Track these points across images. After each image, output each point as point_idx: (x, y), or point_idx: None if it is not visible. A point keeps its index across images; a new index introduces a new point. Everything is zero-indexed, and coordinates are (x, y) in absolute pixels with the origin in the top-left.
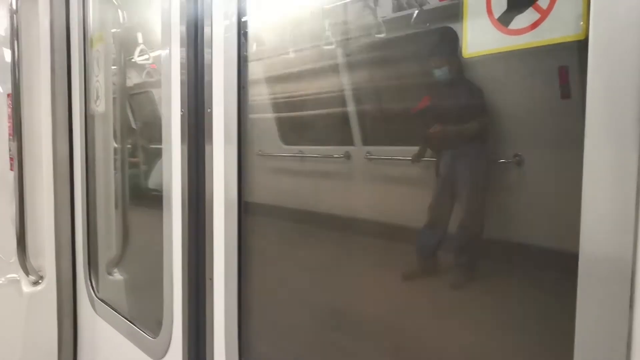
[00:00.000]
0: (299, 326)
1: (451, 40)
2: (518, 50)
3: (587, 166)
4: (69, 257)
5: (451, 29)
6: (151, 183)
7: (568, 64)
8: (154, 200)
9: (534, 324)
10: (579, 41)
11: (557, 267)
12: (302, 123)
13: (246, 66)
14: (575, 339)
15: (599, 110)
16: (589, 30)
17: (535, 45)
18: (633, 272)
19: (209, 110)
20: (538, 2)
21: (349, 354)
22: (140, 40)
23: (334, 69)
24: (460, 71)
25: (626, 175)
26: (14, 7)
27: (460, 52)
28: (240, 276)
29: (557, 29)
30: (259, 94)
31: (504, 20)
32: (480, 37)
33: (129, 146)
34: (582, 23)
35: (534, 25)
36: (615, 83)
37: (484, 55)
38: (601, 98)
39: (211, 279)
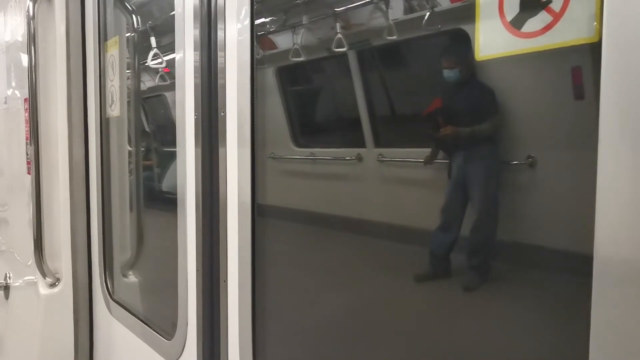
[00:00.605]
0: (313, 329)
1: (462, 42)
2: (531, 52)
3: (601, 167)
4: (85, 259)
5: (462, 30)
6: (165, 186)
7: (581, 66)
8: (168, 202)
9: (549, 326)
10: (592, 44)
11: (571, 268)
12: (314, 125)
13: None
14: (590, 341)
15: (612, 111)
16: (602, 33)
17: (547, 48)
18: None
19: (222, 113)
20: (550, 5)
21: (364, 356)
22: (153, 44)
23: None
24: (472, 73)
25: None
26: (31, 13)
27: (472, 54)
28: (255, 278)
29: (570, 32)
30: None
31: (516, 23)
32: (492, 40)
33: (143, 149)
34: (595, 25)
35: (547, 28)
36: (629, 84)
37: (497, 58)
38: (615, 99)
39: (225, 281)
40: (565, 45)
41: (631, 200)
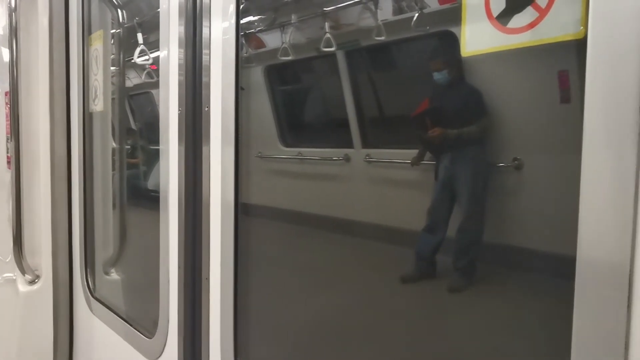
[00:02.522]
0: (295, 327)
1: (451, 44)
2: (517, 50)
3: (585, 169)
4: (66, 256)
5: (451, 32)
6: (150, 184)
7: (567, 64)
8: (152, 200)
9: (532, 326)
10: (578, 40)
11: (554, 270)
12: (302, 125)
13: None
14: (572, 342)
15: (597, 111)
16: (588, 29)
17: (533, 44)
18: (631, 273)
19: (206, 108)
20: (537, 1)
21: (345, 354)
22: (140, 40)
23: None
24: (460, 74)
25: (624, 178)
26: (13, 5)
27: (460, 56)
28: (237, 276)
29: (556, 28)
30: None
31: (503, 19)
32: (478, 35)
33: (128, 146)
34: (581, 21)
35: (533, 24)
36: (614, 83)
37: (483, 54)
38: (600, 98)
39: (207, 279)
40: (551, 42)
41: (615, 200)
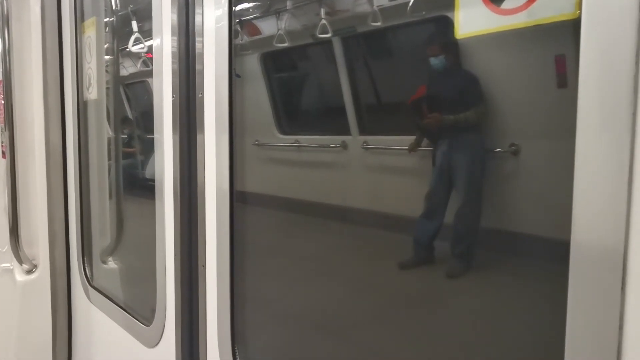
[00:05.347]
0: (292, 313)
1: (446, 29)
2: (512, 32)
3: (579, 154)
4: (63, 245)
5: (447, 17)
6: (146, 172)
7: (563, 46)
8: (148, 189)
9: (528, 310)
10: (572, 20)
11: (550, 254)
12: (299, 112)
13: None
14: (566, 325)
15: (591, 93)
16: (582, 8)
17: (528, 24)
18: (625, 255)
19: (200, 95)
20: None
21: (341, 341)
22: (135, 28)
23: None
24: (456, 60)
25: (618, 161)
26: None
27: (456, 40)
28: (233, 263)
29: (550, 9)
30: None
31: (497, 0)
32: (472, 17)
33: (123, 135)
34: (575, 2)
35: (526, 4)
36: (609, 64)
37: (477, 36)
38: (594, 80)
39: (204, 266)
40: (546, 22)
41: (609, 185)
